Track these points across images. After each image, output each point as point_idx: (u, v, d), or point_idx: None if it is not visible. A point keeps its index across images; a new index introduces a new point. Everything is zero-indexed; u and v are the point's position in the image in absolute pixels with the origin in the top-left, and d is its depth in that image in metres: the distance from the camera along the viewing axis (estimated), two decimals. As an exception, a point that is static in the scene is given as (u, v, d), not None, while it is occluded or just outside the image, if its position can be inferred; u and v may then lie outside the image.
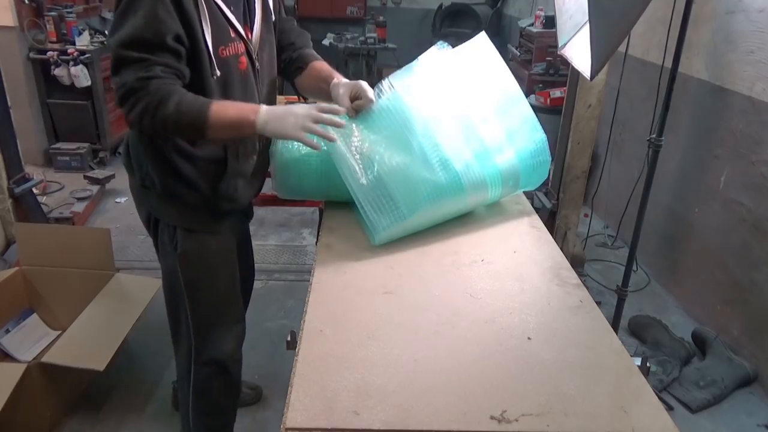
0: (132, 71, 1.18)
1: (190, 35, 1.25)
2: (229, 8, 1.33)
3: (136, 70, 1.18)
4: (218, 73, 1.31)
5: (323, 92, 1.53)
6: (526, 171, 1.56)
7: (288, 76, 1.68)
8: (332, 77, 1.52)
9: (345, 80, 1.49)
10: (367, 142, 1.37)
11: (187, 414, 1.68)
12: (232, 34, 1.34)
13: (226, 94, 1.35)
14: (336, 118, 1.27)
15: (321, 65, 1.60)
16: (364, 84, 1.42)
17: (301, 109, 1.26)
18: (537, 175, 1.61)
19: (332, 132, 1.30)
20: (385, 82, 1.40)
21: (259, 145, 1.49)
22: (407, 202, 1.35)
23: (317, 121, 1.25)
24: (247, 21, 1.41)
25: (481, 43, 1.57)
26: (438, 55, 1.50)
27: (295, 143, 1.48)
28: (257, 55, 1.43)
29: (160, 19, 1.19)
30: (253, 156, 1.48)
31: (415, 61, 1.48)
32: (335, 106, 1.32)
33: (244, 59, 1.38)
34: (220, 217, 1.49)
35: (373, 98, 1.40)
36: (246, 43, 1.38)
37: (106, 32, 4.82)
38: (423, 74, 1.46)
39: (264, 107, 1.27)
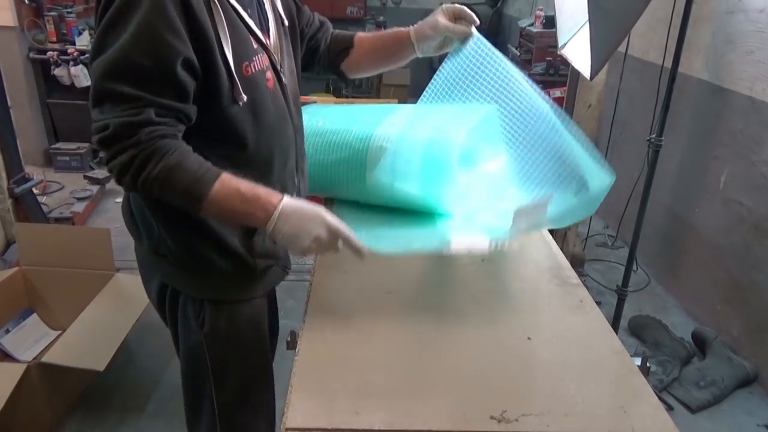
0: (117, 111, 0.89)
1: (206, 54, 0.95)
2: (246, 10, 1.04)
3: (122, 111, 0.89)
4: (244, 97, 1.01)
5: (393, 54, 1.33)
6: None
7: (330, 64, 1.39)
8: (400, 32, 1.31)
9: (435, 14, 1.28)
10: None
11: None
12: (254, 45, 1.06)
13: (257, 123, 1.06)
14: (358, 247, 1.02)
15: (368, 35, 1.37)
16: (465, 8, 1.29)
17: (322, 229, 0.99)
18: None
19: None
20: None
21: (298, 180, 1.24)
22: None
23: (336, 249, 1.02)
24: (262, 24, 1.11)
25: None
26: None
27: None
28: (280, 65, 1.15)
29: (162, 38, 0.88)
30: (294, 195, 1.13)
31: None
32: (356, 245, 1.02)
33: (271, 75, 1.10)
34: (254, 280, 1.19)
35: (476, 20, 1.31)
36: (269, 53, 1.10)
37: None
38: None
39: (286, 202, 0.98)
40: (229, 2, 1.00)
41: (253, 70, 1.04)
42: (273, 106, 1.10)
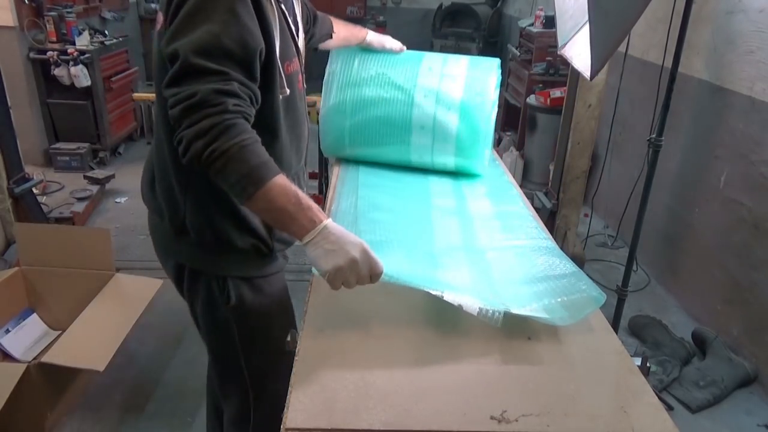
0: (207, 82, 0.95)
1: (267, 48, 1.05)
2: (291, 17, 1.15)
3: (212, 82, 0.95)
4: (287, 91, 1.14)
5: (350, 43, 1.71)
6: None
7: (312, 45, 1.60)
8: (360, 32, 1.71)
9: (373, 36, 1.72)
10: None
11: None
12: (294, 48, 1.17)
13: (288, 117, 1.19)
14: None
15: (340, 25, 1.66)
16: (392, 41, 1.74)
17: (358, 266, 0.99)
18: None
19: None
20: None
21: (303, 177, 1.38)
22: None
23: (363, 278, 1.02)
24: (296, 31, 1.22)
25: None
26: None
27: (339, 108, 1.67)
28: (303, 69, 1.25)
29: (249, 29, 0.99)
30: (303, 181, 1.35)
31: None
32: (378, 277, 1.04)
33: (300, 77, 1.23)
34: (270, 260, 1.28)
35: (401, 47, 1.74)
36: (300, 57, 1.22)
37: (106, 32, 4.83)
38: None
39: (329, 225, 0.99)
40: (281, 7, 1.12)
41: (292, 70, 1.16)
42: (300, 104, 1.24)
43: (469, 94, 1.67)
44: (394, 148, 1.73)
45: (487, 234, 1.44)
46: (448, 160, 1.75)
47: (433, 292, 1.05)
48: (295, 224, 0.99)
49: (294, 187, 1.00)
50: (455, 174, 1.83)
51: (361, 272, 0.99)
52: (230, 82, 0.96)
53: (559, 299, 1.11)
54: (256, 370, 1.32)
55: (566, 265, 1.26)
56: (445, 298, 1.04)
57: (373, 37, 1.72)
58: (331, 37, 1.61)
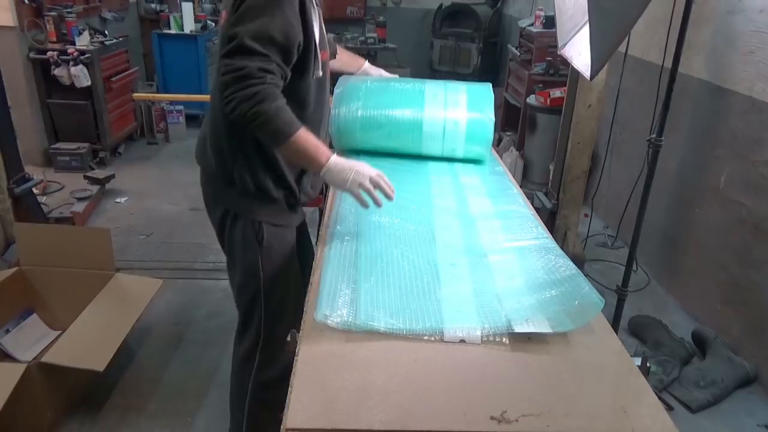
0: (254, 61, 1.27)
1: (307, 39, 1.38)
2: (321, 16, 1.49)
3: (258, 61, 1.27)
4: (320, 73, 1.47)
5: (347, 71, 2.01)
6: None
7: None
8: (359, 60, 2.07)
9: (369, 66, 2.06)
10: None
11: (242, 401, 1.73)
12: (326, 42, 1.54)
13: (317, 95, 1.52)
14: (389, 192, 1.38)
15: (344, 52, 2.00)
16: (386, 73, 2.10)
17: (364, 168, 1.36)
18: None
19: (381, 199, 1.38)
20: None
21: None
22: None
23: (375, 186, 1.36)
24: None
25: None
26: None
27: (350, 106, 1.87)
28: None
29: (292, 24, 1.31)
30: None
31: None
32: (388, 188, 1.38)
33: (328, 67, 1.58)
34: (295, 211, 1.62)
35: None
36: (327, 51, 1.57)
37: (106, 32, 4.83)
38: None
39: (335, 157, 1.36)
40: (319, 7, 1.45)
41: (324, 58, 1.49)
42: (326, 86, 1.58)
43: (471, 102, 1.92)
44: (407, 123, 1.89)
45: (488, 235, 1.45)
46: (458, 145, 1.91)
47: (433, 336, 1.06)
48: (314, 161, 1.35)
49: (311, 136, 1.34)
50: (455, 174, 1.84)
51: (365, 172, 1.35)
52: (271, 63, 1.28)
53: (561, 307, 1.12)
54: (269, 314, 1.61)
55: (567, 268, 1.27)
56: (446, 339, 1.05)
57: (369, 66, 2.08)
58: (335, 57, 1.86)
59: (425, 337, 1.05)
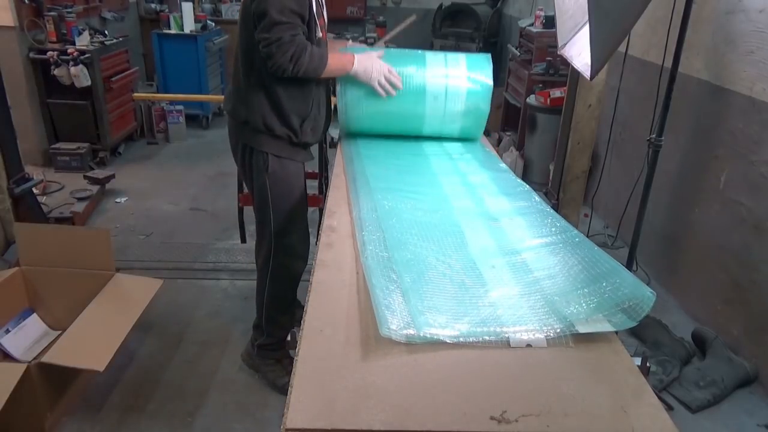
0: (285, 31, 1.73)
1: (309, 10, 1.82)
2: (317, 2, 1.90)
3: (288, 30, 1.74)
4: (320, 34, 1.91)
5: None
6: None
7: None
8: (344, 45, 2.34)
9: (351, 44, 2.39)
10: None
11: (262, 300, 2.15)
12: (321, 10, 1.95)
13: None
14: (399, 84, 2.02)
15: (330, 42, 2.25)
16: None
17: (379, 65, 1.98)
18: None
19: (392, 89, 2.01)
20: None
21: (327, 101, 2.11)
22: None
23: (388, 80, 1.99)
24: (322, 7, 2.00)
25: None
26: None
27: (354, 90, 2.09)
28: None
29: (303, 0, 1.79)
30: (323, 108, 2.07)
31: None
32: (397, 79, 2.01)
33: (323, 33, 1.99)
34: (297, 150, 2.03)
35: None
36: (323, 19, 2.00)
37: (106, 32, 4.83)
38: None
39: (356, 62, 1.96)
40: None
41: (321, 23, 1.93)
42: (326, 50, 1.92)
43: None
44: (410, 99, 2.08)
45: (515, 232, 1.45)
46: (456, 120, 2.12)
47: (497, 339, 1.05)
48: (345, 69, 1.96)
49: (335, 55, 1.93)
50: (462, 174, 1.87)
51: (377, 67, 1.98)
52: (296, 27, 1.76)
53: (615, 303, 1.11)
54: (277, 227, 2.03)
55: (605, 260, 1.25)
56: (512, 345, 1.05)
57: (352, 44, 2.40)
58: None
59: (492, 345, 1.04)
